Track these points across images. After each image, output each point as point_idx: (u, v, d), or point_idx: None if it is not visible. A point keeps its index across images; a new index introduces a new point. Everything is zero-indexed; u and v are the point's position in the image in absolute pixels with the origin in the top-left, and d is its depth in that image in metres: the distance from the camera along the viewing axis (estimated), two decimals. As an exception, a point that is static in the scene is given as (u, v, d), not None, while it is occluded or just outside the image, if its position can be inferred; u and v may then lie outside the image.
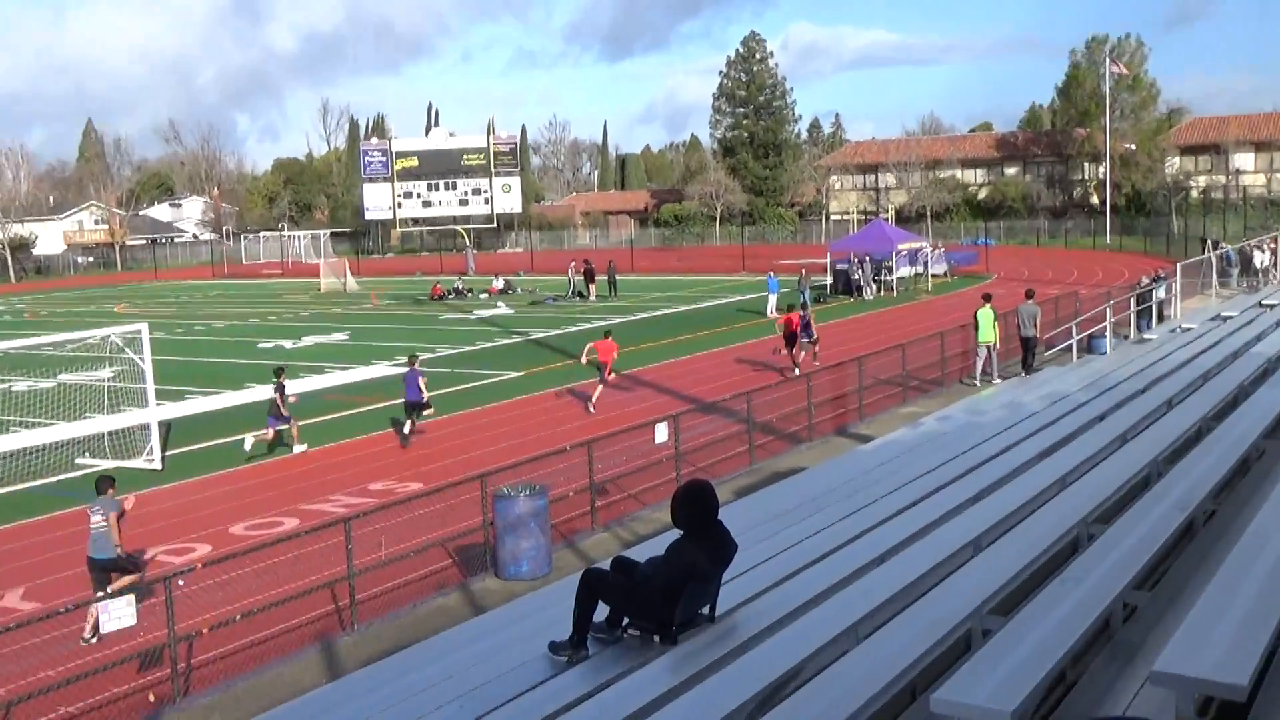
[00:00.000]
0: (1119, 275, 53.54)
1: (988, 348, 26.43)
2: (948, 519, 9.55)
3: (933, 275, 52.72)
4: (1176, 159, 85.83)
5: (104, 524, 13.27)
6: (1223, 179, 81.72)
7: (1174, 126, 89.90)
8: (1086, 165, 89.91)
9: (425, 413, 22.22)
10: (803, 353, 29.04)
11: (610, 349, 25.17)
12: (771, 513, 11.91)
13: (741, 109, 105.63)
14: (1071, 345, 26.65)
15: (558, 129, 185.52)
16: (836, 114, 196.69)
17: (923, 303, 45.78)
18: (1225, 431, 10.95)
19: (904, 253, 52.10)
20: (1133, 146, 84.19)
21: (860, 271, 48.44)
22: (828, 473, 14.39)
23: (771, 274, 42.90)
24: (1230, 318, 23.82)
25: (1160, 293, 30.70)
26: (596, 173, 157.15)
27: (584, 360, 25.93)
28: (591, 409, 24.28)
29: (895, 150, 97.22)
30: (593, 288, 53.26)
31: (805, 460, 19.50)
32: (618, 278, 54.18)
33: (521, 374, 30.45)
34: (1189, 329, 23.47)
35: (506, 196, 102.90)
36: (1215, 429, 11.30)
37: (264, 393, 25.35)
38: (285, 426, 21.71)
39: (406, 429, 22.08)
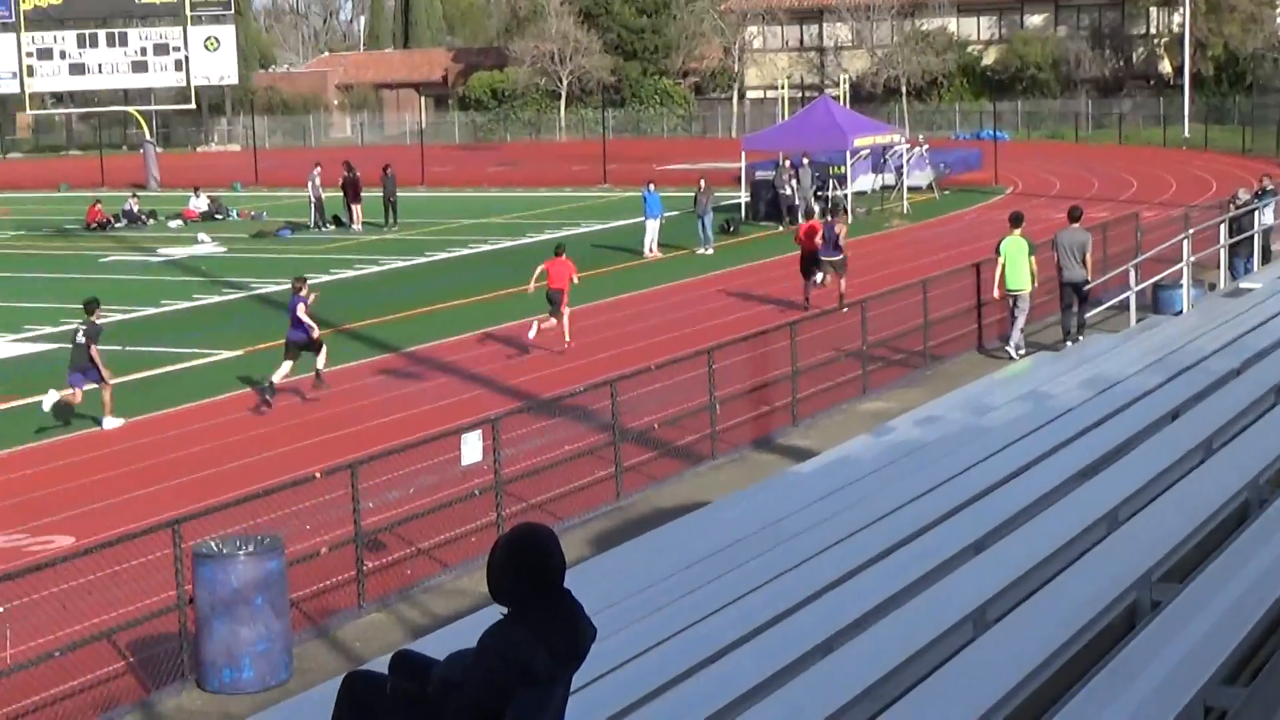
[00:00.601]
0: (1202, 187, 55.28)
1: (1018, 298, 26.79)
2: (926, 587, 9.75)
3: (910, 189, 53.85)
4: None
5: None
6: None
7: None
8: (1154, 11, 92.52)
9: (319, 360, 25.90)
10: (827, 279, 32.41)
11: (566, 270, 29.11)
12: (649, 577, 12.01)
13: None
14: (1129, 300, 27.02)
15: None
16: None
17: (896, 232, 46.63)
18: None
19: (865, 153, 52.94)
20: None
21: (794, 183, 49.17)
22: (737, 512, 14.52)
23: (651, 187, 43.33)
24: None
25: (1267, 216, 31.26)
26: (363, 20, 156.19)
27: (532, 288, 29.49)
28: (531, 336, 28.85)
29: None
30: (356, 210, 52.98)
31: (704, 490, 19.63)
32: (398, 195, 53.96)
33: (240, 353, 30.30)
34: None
35: (212, 58, 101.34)
36: None
37: None
38: (96, 386, 24.62)
39: (275, 377, 25.58)
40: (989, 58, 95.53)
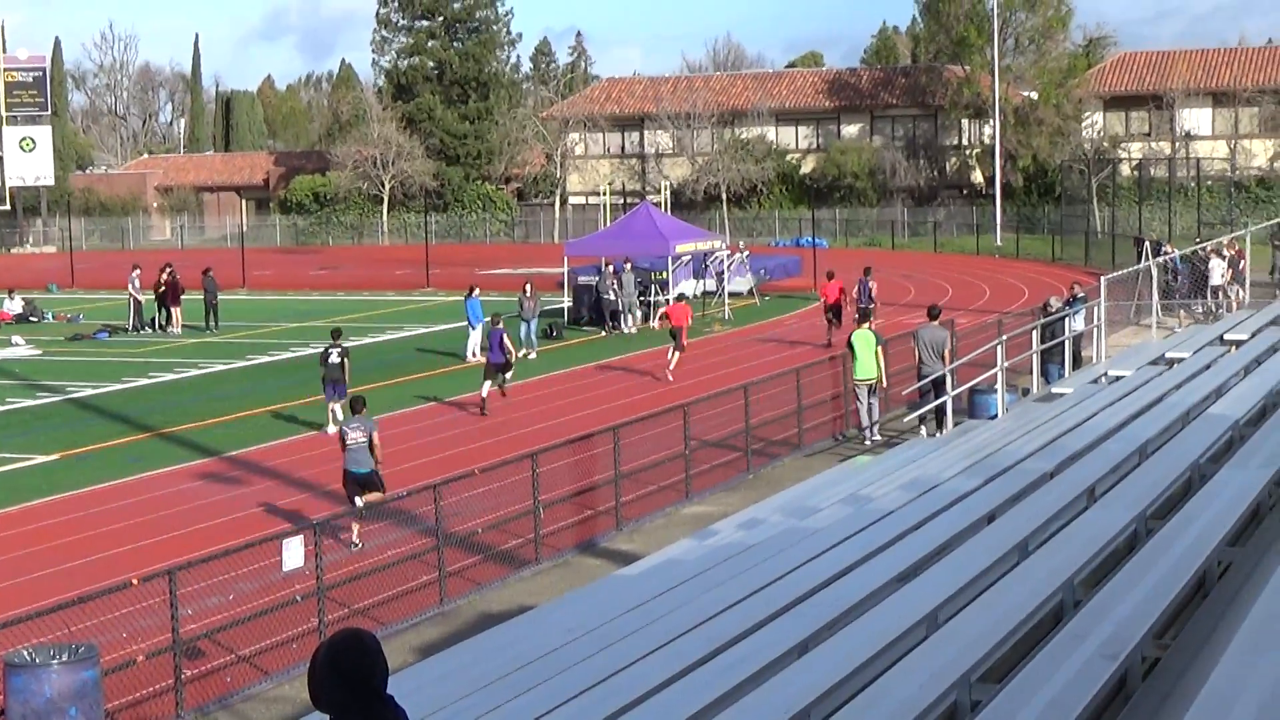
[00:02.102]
0: (1014, 294, 56.34)
1: (869, 388, 29.23)
2: (752, 689, 9.72)
3: (731, 294, 54.42)
4: (1099, 116, 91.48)
5: (363, 440, 22.61)
6: (1167, 147, 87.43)
7: (1095, 66, 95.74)
8: (966, 123, 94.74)
9: (507, 375, 34.25)
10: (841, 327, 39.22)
11: (684, 312, 38.65)
12: (475, 682, 11.95)
13: (424, 21, 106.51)
14: (945, 404, 27.85)
15: (116, 47, 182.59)
16: (578, 33, 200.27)
17: (717, 337, 46.95)
18: (1172, 537, 11.55)
19: (686, 259, 53.34)
20: (1034, 95, 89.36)
21: (616, 289, 49.42)
22: (564, 615, 14.64)
23: (475, 293, 43.47)
24: (1179, 360, 25.14)
25: (1077, 322, 32.17)
26: (183, 122, 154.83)
27: (657, 325, 38.80)
28: (669, 376, 36.66)
29: (671, 94, 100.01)
30: (176, 313, 52.36)
31: (529, 594, 19.81)
32: (219, 297, 53.41)
33: (56, 457, 29.91)
34: (1119, 377, 24.69)
35: (28, 158, 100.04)
36: (1158, 532, 11.94)
37: None
38: None
39: (484, 391, 33.58)
40: (807, 166, 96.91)
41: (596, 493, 23.95)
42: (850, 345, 29.81)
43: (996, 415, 26.49)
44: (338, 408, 30.38)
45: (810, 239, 75.36)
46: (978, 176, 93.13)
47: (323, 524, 18.76)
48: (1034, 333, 30.25)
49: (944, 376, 28.55)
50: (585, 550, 22.32)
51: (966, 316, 44.23)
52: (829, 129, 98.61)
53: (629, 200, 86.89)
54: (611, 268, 50.03)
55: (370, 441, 22.50)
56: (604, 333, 48.41)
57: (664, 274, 51.49)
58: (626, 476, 24.14)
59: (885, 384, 29.85)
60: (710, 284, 54.49)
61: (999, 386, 27.53)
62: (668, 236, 51.91)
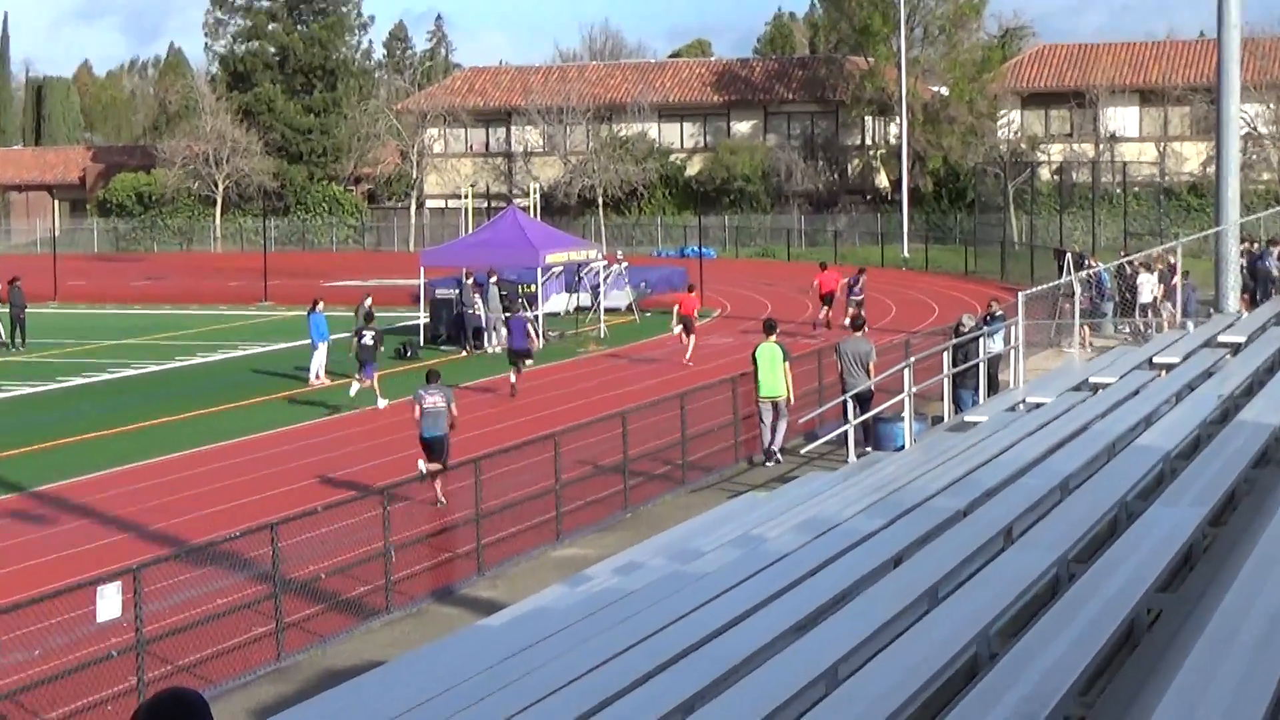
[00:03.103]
0: (924, 312, 56.70)
1: (774, 405, 29.67)
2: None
3: (608, 310, 54.37)
4: (1016, 114, 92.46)
5: (442, 405, 27.05)
6: (1090, 150, 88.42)
7: (1011, 59, 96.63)
8: (870, 121, 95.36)
9: (527, 362, 39.94)
10: (843, 313, 45.15)
11: (694, 302, 46.92)
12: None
13: (264, 1, 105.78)
14: (846, 434, 27.87)
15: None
16: (438, 17, 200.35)
17: (592, 359, 46.90)
18: (1097, 582, 11.54)
19: (558, 270, 53.24)
20: (944, 90, 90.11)
21: (480, 304, 49.23)
22: (417, 672, 14.48)
23: (319, 307, 42.90)
24: (1105, 386, 25.08)
25: (993, 343, 32.20)
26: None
27: (676, 328, 46.28)
28: (689, 363, 43.64)
29: (542, 86, 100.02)
30: (-21, 328, 51.67)
31: (379, 648, 19.60)
32: (27, 311, 52.70)
33: None
34: (1039, 404, 24.67)
35: None
36: (1081, 576, 11.94)
37: None
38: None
39: (513, 377, 39.25)
40: (693, 167, 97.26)
41: (455, 533, 23.90)
42: (754, 359, 30.19)
43: (903, 446, 26.62)
44: (367, 383, 38.00)
45: (696, 249, 75.43)
46: (883, 180, 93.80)
47: (143, 567, 18.46)
48: (945, 354, 30.30)
49: (870, 392, 29.34)
50: (442, 598, 22.12)
51: (871, 336, 44.40)
52: (718, 126, 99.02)
53: (494, 204, 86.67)
54: (473, 280, 49.86)
55: (448, 408, 27.11)
56: (465, 353, 48.21)
57: (532, 286, 51.25)
58: (489, 515, 24.00)
59: (792, 400, 30.19)
60: (585, 298, 54.44)
61: (906, 414, 27.66)
62: (537, 245, 51.70)
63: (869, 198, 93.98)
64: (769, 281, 70.99)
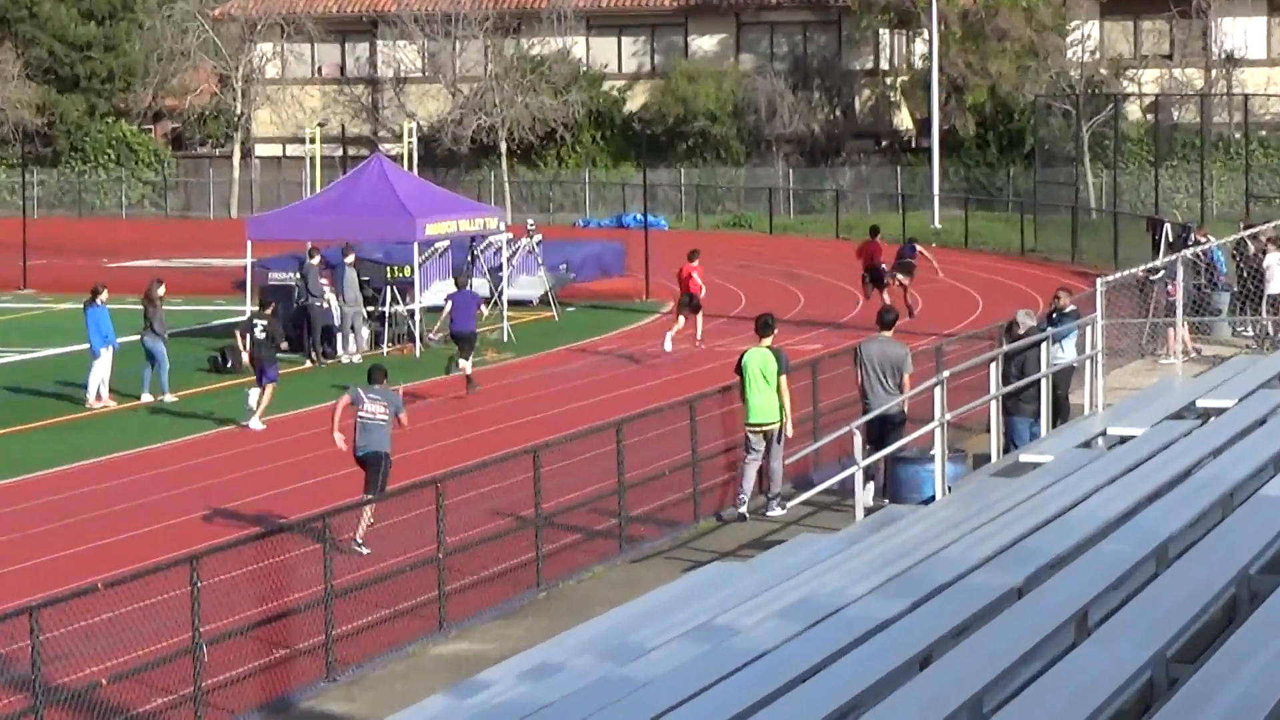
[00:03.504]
0: (962, 307, 52.32)
1: (765, 435, 26.57)
2: None
3: (514, 304, 48.87)
4: (1093, 27, 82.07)
5: (384, 417, 25.10)
6: (1198, 78, 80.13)
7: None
8: (886, 37, 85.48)
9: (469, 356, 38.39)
10: (900, 290, 46.73)
11: (696, 284, 44.57)
12: None
13: None
14: (855, 479, 24.29)
15: None
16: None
17: (491, 371, 41.79)
18: (1209, 689, 11.04)
19: (443, 246, 47.46)
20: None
21: (334, 296, 43.58)
22: None
23: (100, 298, 38.19)
24: (1218, 411, 24.19)
25: (1061, 351, 29.27)
26: None
27: (676, 306, 45.41)
28: (700, 345, 43.76)
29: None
30: None
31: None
32: None
33: None
34: (1125, 438, 23.59)
35: None
36: (1186, 682, 11.51)
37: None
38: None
39: (464, 366, 37.97)
40: (635, 101, 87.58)
41: (295, 620, 21.48)
42: (740, 370, 26.87)
43: (934, 497, 23.94)
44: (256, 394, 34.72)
45: (640, 216, 67.25)
46: (905, 120, 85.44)
47: None
48: (993, 367, 26.90)
49: (902, 417, 26.40)
50: (275, 713, 19.87)
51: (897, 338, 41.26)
52: (670, 41, 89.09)
53: (352, 153, 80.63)
54: (320, 259, 44.09)
55: (395, 418, 24.89)
56: (310, 362, 42.57)
57: (406, 269, 45.56)
58: (344, 594, 21.63)
59: (790, 431, 27.05)
60: (481, 286, 47.44)
61: (938, 452, 24.53)
62: (412, 211, 45.27)
63: (884, 144, 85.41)
64: (743, 262, 64.59)
